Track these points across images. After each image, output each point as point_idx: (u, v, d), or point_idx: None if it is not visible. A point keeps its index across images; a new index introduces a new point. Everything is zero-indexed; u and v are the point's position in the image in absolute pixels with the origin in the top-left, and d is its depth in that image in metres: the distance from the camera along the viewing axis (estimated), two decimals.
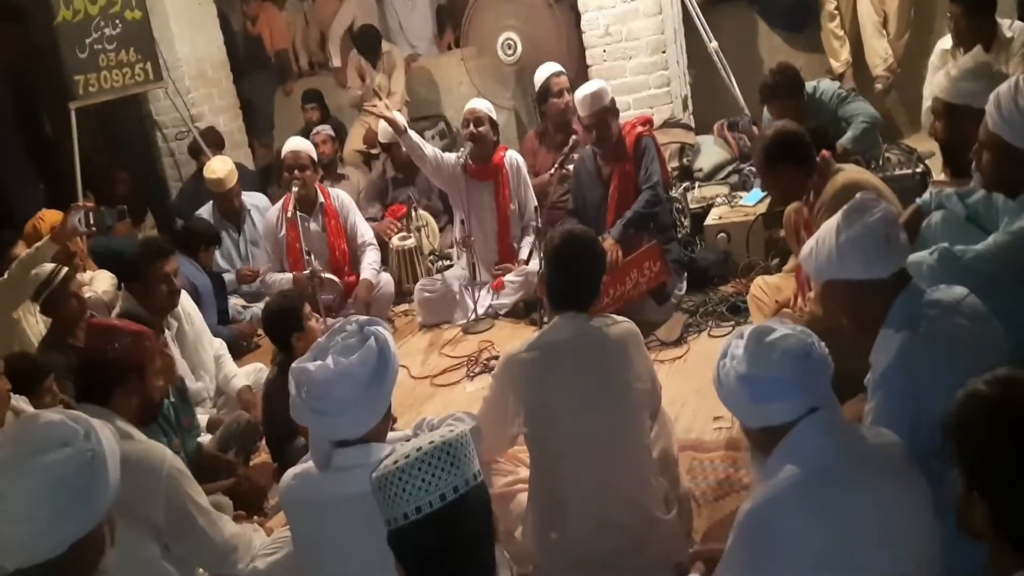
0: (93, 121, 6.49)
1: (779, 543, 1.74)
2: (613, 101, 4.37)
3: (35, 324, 3.92)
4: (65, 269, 3.80)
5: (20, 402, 2.88)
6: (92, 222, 3.91)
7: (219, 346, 4.12)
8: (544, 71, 5.10)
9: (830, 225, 2.13)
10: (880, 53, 5.62)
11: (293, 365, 2.02)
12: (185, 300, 3.97)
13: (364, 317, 2.08)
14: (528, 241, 4.82)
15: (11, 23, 6.32)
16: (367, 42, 6.77)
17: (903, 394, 1.98)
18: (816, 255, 2.14)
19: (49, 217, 4.62)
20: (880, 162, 4.30)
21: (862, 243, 2.05)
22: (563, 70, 5.08)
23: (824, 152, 3.27)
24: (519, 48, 5.90)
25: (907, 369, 2.00)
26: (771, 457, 1.80)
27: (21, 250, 3.97)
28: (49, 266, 3.79)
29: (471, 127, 4.70)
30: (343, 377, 1.92)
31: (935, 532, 1.78)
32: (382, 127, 5.39)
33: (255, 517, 3.14)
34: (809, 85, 4.49)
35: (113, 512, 1.67)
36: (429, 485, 1.46)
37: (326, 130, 6.17)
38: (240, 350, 4.69)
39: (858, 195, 2.20)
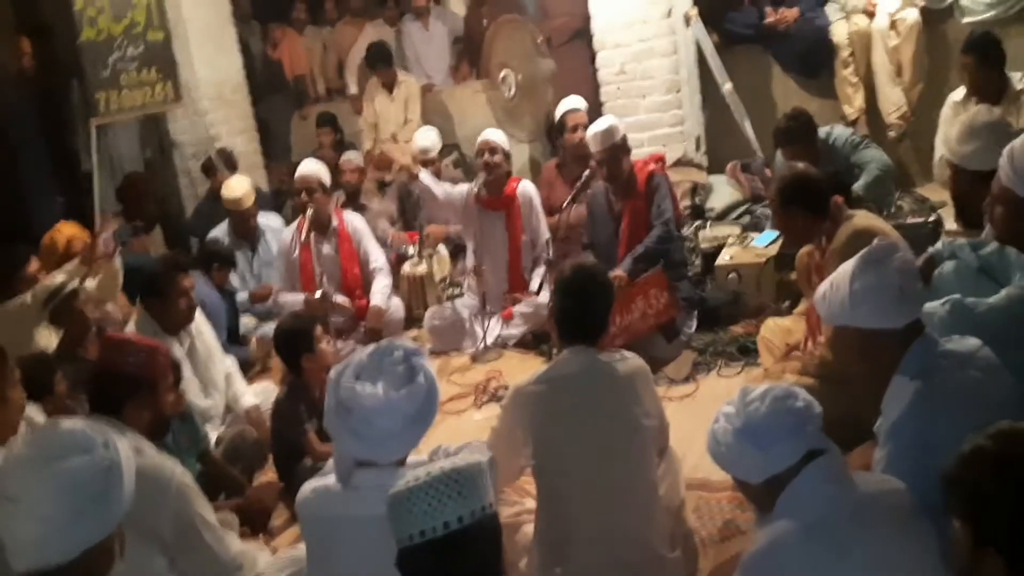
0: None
1: None
2: (624, 138, 4.43)
3: (48, 337, 3.94)
4: (76, 281, 3.83)
5: (33, 411, 2.89)
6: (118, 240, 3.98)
7: (230, 364, 4.15)
8: (562, 106, 5.17)
9: (845, 270, 2.13)
10: (894, 101, 5.67)
11: (336, 378, 2.02)
12: (198, 317, 4.00)
13: (409, 344, 2.09)
14: (539, 272, 4.85)
15: (35, 39, 6.40)
16: (378, 55, 6.83)
17: (914, 444, 1.98)
18: (829, 299, 2.15)
19: (66, 230, 4.66)
20: (892, 210, 4.33)
21: (876, 293, 2.06)
22: (579, 107, 5.14)
23: (837, 197, 3.30)
24: (514, 86, 5.99)
25: (919, 419, 2.00)
26: (775, 511, 1.82)
27: (34, 265, 4.00)
28: (60, 276, 3.82)
29: (485, 157, 4.75)
30: (390, 409, 1.95)
31: None
32: (414, 144, 5.49)
33: (260, 536, 3.14)
34: (823, 131, 4.54)
35: (123, 525, 1.69)
36: (435, 510, 1.49)
37: (357, 159, 6.23)
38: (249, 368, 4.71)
39: (875, 241, 2.20)
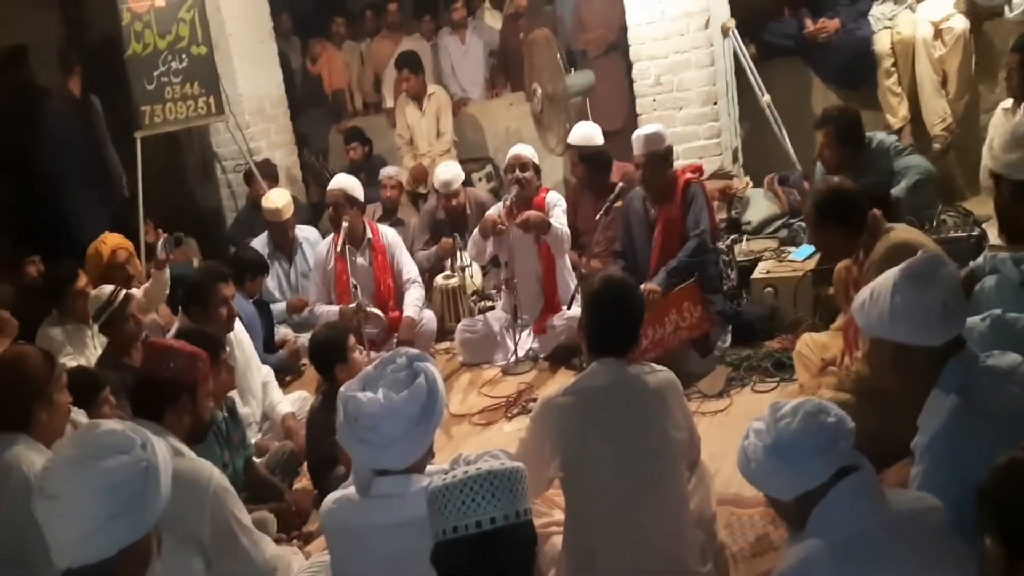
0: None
1: None
2: (669, 149, 4.42)
3: (91, 345, 4.05)
4: (125, 291, 3.93)
5: (79, 415, 2.97)
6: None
7: (266, 373, 4.23)
8: (570, 136, 5.23)
9: (887, 281, 2.07)
10: (939, 112, 5.58)
11: (342, 391, 2.08)
12: (236, 326, 4.07)
13: (413, 351, 2.13)
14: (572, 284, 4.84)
15: (81, 54, 6.58)
16: (405, 60, 6.87)
17: (951, 461, 1.94)
18: (868, 309, 2.10)
19: (111, 240, 4.79)
20: (935, 223, 4.26)
21: (918, 310, 2.01)
22: (575, 142, 5.21)
23: (875, 210, 3.26)
24: (540, 100, 6.02)
25: (957, 435, 1.97)
26: (807, 528, 1.80)
27: (83, 280, 4.12)
28: (109, 288, 3.93)
29: (516, 172, 4.77)
30: (392, 412, 1.98)
31: None
32: (437, 177, 5.51)
33: (295, 540, 3.18)
34: (874, 137, 4.49)
35: (161, 526, 1.73)
36: (468, 509, 1.51)
37: (398, 176, 6.29)
38: (285, 375, 4.77)
39: (921, 254, 2.16)
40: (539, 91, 6.02)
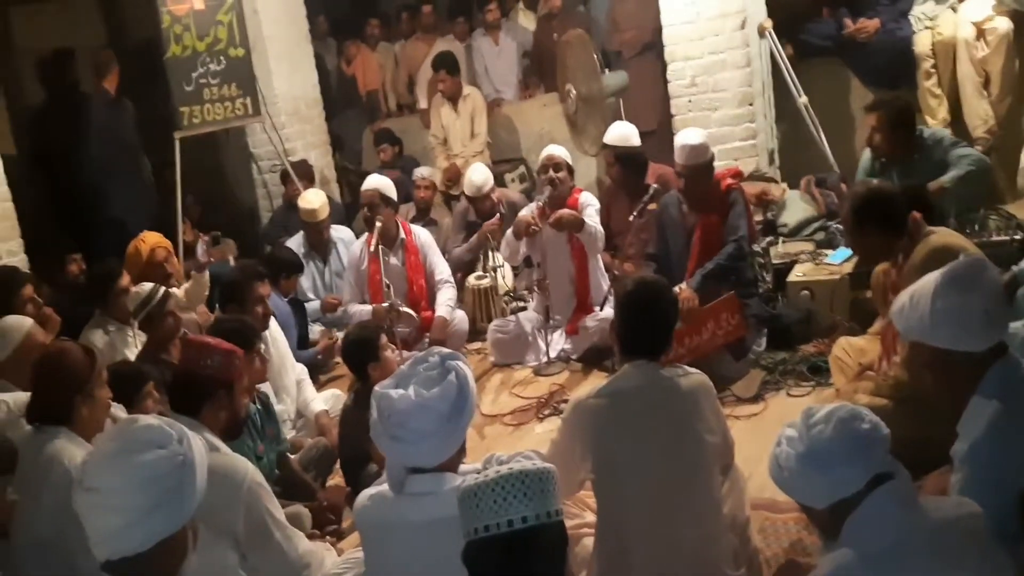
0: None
1: None
2: (712, 158, 4.36)
3: (133, 344, 4.11)
4: (164, 289, 4.00)
5: (118, 410, 3.02)
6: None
7: (300, 371, 4.26)
8: (607, 135, 5.18)
9: (928, 284, 2.04)
10: (980, 115, 5.49)
11: (376, 389, 2.10)
12: (272, 324, 4.12)
13: (446, 350, 2.15)
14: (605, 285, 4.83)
15: (121, 56, 6.69)
16: (442, 60, 6.90)
17: (992, 468, 1.92)
18: (908, 313, 2.06)
19: (150, 239, 4.86)
20: (976, 226, 4.19)
21: (959, 315, 1.97)
22: (610, 143, 5.13)
23: (915, 213, 3.21)
24: (574, 101, 5.99)
25: (998, 442, 1.94)
26: (840, 537, 1.76)
27: (125, 279, 4.20)
28: (149, 286, 3.99)
29: (550, 173, 4.77)
30: (423, 409, 1.99)
31: None
32: (468, 181, 5.52)
33: (328, 537, 3.21)
34: (924, 130, 4.44)
35: (197, 519, 1.76)
36: (500, 507, 1.51)
37: (432, 176, 6.32)
38: (318, 373, 4.81)
39: (962, 258, 2.12)
40: (573, 92, 6.01)
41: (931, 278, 2.05)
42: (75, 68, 6.49)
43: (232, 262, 5.61)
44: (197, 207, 6.60)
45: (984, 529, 1.77)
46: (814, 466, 1.76)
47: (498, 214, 5.37)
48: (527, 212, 4.78)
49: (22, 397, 3.14)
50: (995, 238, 4.08)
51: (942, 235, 3.14)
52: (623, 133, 5.12)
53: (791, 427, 1.85)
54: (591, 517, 2.64)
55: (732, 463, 2.67)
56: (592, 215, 4.71)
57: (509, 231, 4.80)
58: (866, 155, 4.53)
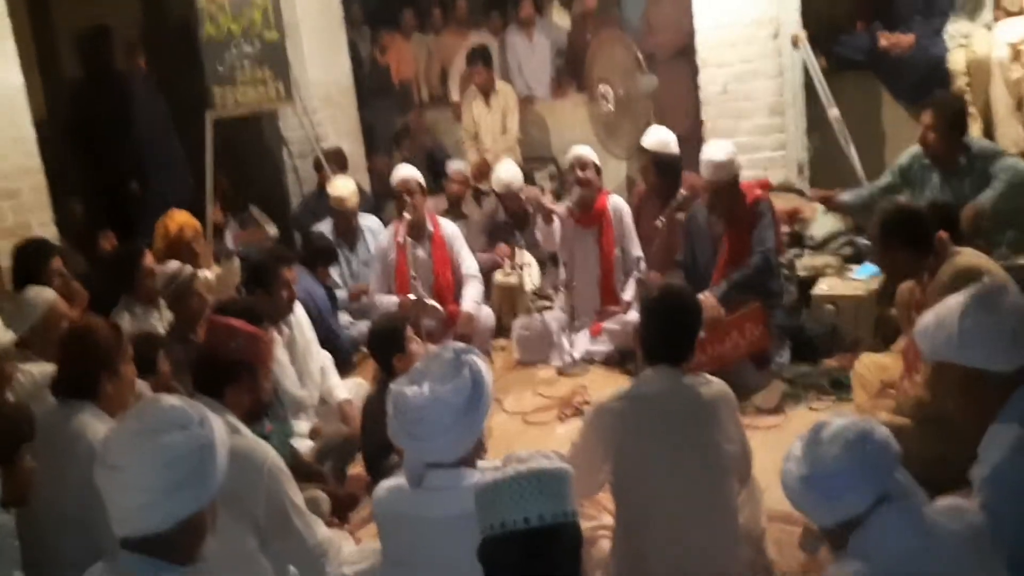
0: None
1: None
2: (738, 173, 4.34)
3: (159, 328, 4.16)
4: (191, 268, 4.04)
5: (144, 387, 3.06)
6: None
7: (325, 358, 4.28)
8: (646, 139, 5.13)
9: (954, 305, 2.05)
10: (1012, 136, 5.43)
11: (392, 387, 2.12)
12: (298, 310, 4.15)
13: (461, 345, 2.17)
14: (631, 288, 4.83)
15: (156, 35, 6.76)
16: (478, 54, 6.91)
17: (1013, 494, 1.92)
18: (933, 334, 2.07)
19: (178, 217, 4.90)
20: (1004, 248, 4.16)
21: (989, 333, 1.99)
22: (648, 147, 5.06)
23: (942, 232, 3.20)
24: (612, 102, 5.97)
25: (1020, 468, 1.94)
26: (848, 550, 1.77)
27: (149, 258, 4.23)
28: (175, 264, 4.04)
29: (578, 173, 4.77)
30: (438, 404, 2.01)
31: None
32: (496, 177, 5.53)
33: (346, 525, 3.24)
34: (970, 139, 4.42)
35: (217, 501, 1.78)
36: (517, 504, 1.52)
37: (465, 171, 6.36)
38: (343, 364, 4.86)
39: (986, 279, 2.14)
40: (611, 92, 5.96)
41: (956, 299, 2.06)
42: (111, 46, 6.55)
43: (272, 232, 5.63)
44: (226, 182, 6.63)
45: (985, 537, 1.78)
46: (818, 490, 1.76)
47: (513, 239, 5.35)
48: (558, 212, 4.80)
49: (47, 369, 3.19)
50: (1022, 261, 4.05)
51: (967, 256, 3.14)
52: (663, 139, 5.03)
53: (799, 443, 1.83)
54: (608, 519, 2.66)
55: (750, 474, 2.69)
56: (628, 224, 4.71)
57: (540, 219, 4.79)
58: (906, 154, 4.49)
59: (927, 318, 2.12)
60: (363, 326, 4.90)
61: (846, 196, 4.65)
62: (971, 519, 1.81)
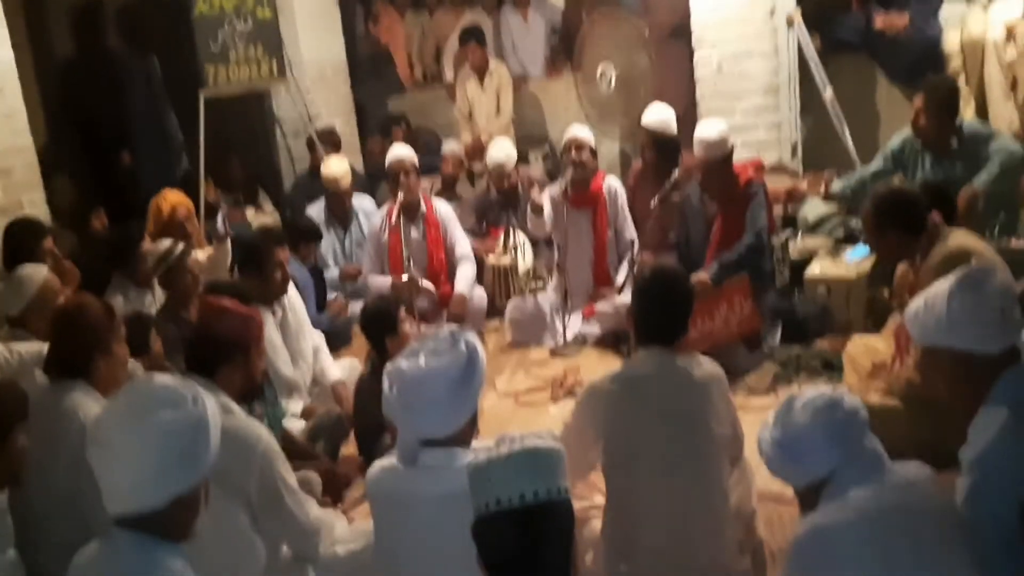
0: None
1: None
2: (731, 151, 4.35)
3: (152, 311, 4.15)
4: (183, 246, 4.03)
5: (136, 367, 3.06)
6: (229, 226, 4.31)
7: (318, 338, 4.28)
8: (644, 118, 5.07)
9: (942, 288, 2.08)
10: (1005, 117, 5.43)
11: (388, 365, 2.12)
12: (291, 290, 4.14)
13: (456, 326, 2.18)
14: (624, 270, 4.84)
15: (152, 11, 6.68)
16: (471, 32, 6.88)
17: (1001, 475, 1.94)
18: (923, 318, 2.10)
19: (171, 197, 4.89)
20: (995, 231, 4.18)
21: (976, 313, 2.01)
22: (651, 125, 5.01)
23: (934, 214, 3.21)
24: (613, 81, 5.93)
25: (1008, 450, 1.96)
26: (818, 506, 1.88)
27: (148, 244, 4.22)
28: (168, 242, 4.03)
29: (573, 154, 4.76)
30: (433, 376, 2.02)
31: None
32: (489, 156, 5.52)
33: (338, 505, 3.26)
34: (963, 121, 4.42)
35: (210, 480, 1.79)
36: (512, 481, 1.53)
37: (460, 152, 6.33)
38: (336, 344, 4.86)
39: (974, 262, 2.16)
40: (611, 72, 5.91)
41: (944, 282, 2.09)
42: (103, 23, 6.48)
43: (270, 210, 5.59)
44: (237, 164, 6.60)
45: (936, 481, 1.91)
46: (787, 452, 1.89)
47: (507, 219, 5.32)
48: (550, 193, 4.79)
49: (35, 348, 3.19)
50: (1015, 244, 4.06)
51: (960, 238, 3.15)
52: (664, 118, 4.96)
53: (775, 410, 1.96)
54: (599, 499, 2.68)
55: (741, 454, 2.70)
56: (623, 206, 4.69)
57: (529, 209, 4.80)
58: (897, 138, 4.50)
59: (916, 302, 2.14)
60: (356, 306, 4.90)
61: (837, 184, 4.65)
62: (927, 472, 1.92)
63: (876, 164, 4.58)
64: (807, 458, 1.86)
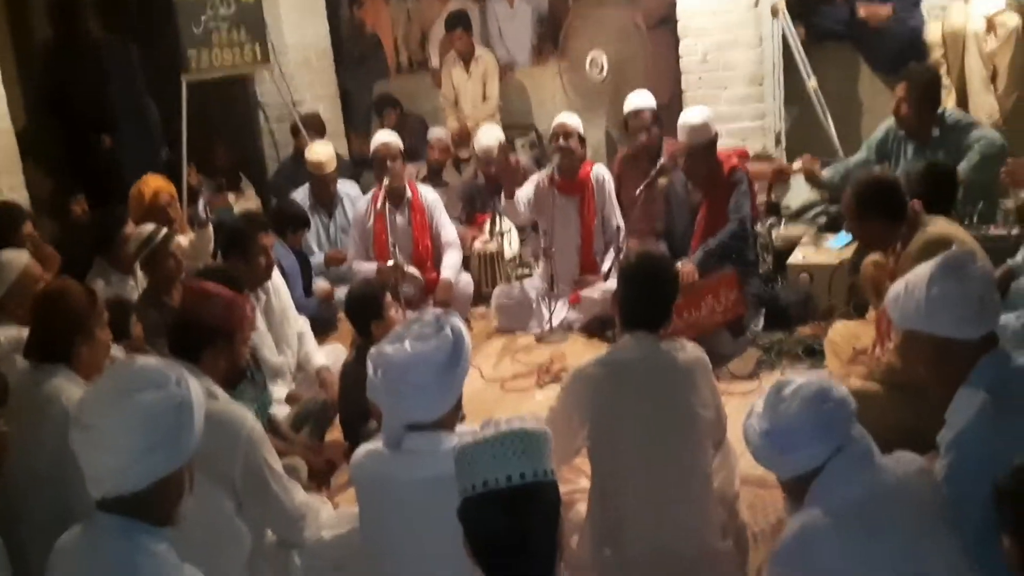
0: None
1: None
2: (715, 137, 4.37)
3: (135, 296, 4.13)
4: (166, 230, 4.01)
5: (118, 352, 3.05)
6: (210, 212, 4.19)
7: (302, 324, 4.26)
8: (628, 103, 5.07)
9: (922, 273, 2.09)
10: (986, 108, 5.49)
11: (371, 350, 2.12)
12: (275, 275, 4.12)
13: (440, 311, 2.19)
14: (610, 257, 4.85)
15: None
16: (457, 18, 6.84)
17: (977, 457, 1.96)
18: (903, 302, 2.12)
19: (152, 182, 4.85)
20: (974, 219, 4.22)
21: (955, 300, 2.03)
22: (644, 106, 5.00)
23: (915, 202, 3.24)
24: (605, 68, 5.92)
25: (985, 433, 1.99)
26: (806, 499, 1.86)
27: (129, 227, 4.19)
28: (150, 226, 4.00)
29: (560, 140, 4.76)
30: (419, 361, 2.02)
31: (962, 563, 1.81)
32: (477, 142, 5.50)
33: (323, 490, 3.26)
34: (946, 110, 4.45)
35: (195, 465, 1.79)
36: (499, 463, 1.52)
37: (446, 137, 6.32)
38: (321, 330, 4.85)
39: (955, 248, 2.18)
40: (604, 58, 5.88)
41: (925, 268, 2.10)
42: (84, 7, 6.40)
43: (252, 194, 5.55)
44: (222, 151, 6.54)
45: (931, 475, 1.90)
46: (778, 444, 1.84)
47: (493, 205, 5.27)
48: (536, 179, 4.78)
49: (13, 333, 3.18)
50: (993, 232, 4.10)
51: (939, 225, 3.18)
52: (646, 100, 4.99)
53: (761, 400, 1.91)
54: (584, 483, 2.69)
55: (725, 438, 2.73)
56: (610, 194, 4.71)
57: (518, 192, 4.79)
58: (881, 128, 4.54)
59: (897, 286, 2.16)
60: (341, 292, 4.88)
61: (825, 173, 4.68)
62: (919, 463, 1.90)
63: (861, 154, 4.62)
64: (797, 448, 1.83)
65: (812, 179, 4.80)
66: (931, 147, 4.28)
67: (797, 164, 4.85)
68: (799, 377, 1.89)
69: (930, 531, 1.81)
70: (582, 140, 4.85)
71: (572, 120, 4.85)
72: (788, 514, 1.99)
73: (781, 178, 5.06)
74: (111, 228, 4.16)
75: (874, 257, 3.41)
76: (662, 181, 4.64)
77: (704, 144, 4.30)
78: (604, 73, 5.89)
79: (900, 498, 1.81)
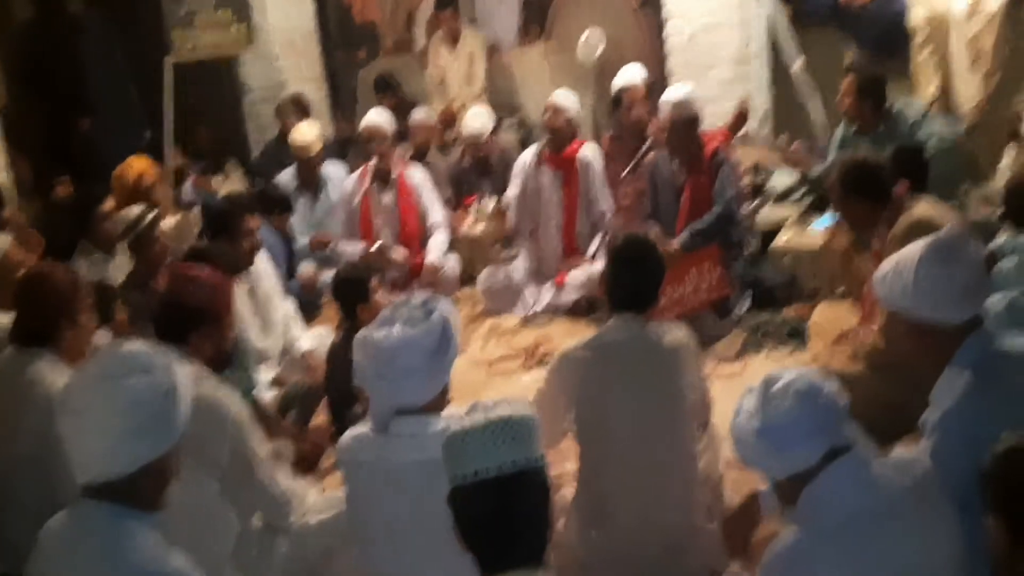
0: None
1: None
2: (697, 114, 4.37)
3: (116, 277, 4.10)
4: (153, 213, 3.98)
5: (103, 338, 3.03)
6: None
7: (288, 307, 4.25)
8: (618, 79, 5.05)
9: (911, 254, 2.07)
10: (969, 90, 5.50)
11: (359, 335, 2.11)
12: (260, 259, 4.10)
13: (427, 294, 2.18)
14: (597, 239, 4.84)
15: None
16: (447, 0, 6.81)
17: (962, 438, 1.96)
18: (891, 281, 2.10)
19: (137, 164, 4.81)
20: (959, 202, 4.24)
21: (942, 284, 2.02)
22: (636, 82, 5.00)
23: (900, 184, 3.26)
24: (600, 45, 5.88)
25: (969, 413, 2.00)
26: (797, 508, 1.79)
27: (109, 203, 4.16)
28: (138, 209, 3.97)
29: (548, 116, 4.75)
30: (408, 345, 2.02)
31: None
32: (466, 125, 5.47)
33: (310, 475, 3.26)
34: (896, 104, 4.46)
35: (182, 449, 1.78)
36: (489, 452, 1.51)
37: (431, 120, 6.29)
38: (305, 313, 4.84)
39: (948, 228, 2.17)
40: (595, 35, 5.83)
41: (915, 248, 2.08)
42: None
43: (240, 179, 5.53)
44: (205, 134, 6.48)
45: (933, 488, 1.81)
46: (770, 442, 1.75)
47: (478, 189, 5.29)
48: (527, 155, 4.75)
49: None
50: (974, 216, 4.12)
51: (923, 207, 3.19)
52: (635, 75, 4.99)
53: (750, 397, 1.82)
54: (571, 466, 2.71)
55: (709, 420, 2.75)
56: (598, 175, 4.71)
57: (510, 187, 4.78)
58: (840, 126, 4.56)
59: (887, 265, 2.14)
60: (327, 275, 4.86)
61: (816, 171, 4.71)
62: (919, 471, 1.83)
63: (832, 155, 4.64)
64: (791, 448, 1.74)
65: (805, 178, 4.83)
66: (878, 141, 4.29)
67: (795, 145, 4.87)
68: (787, 372, 1.81)
69: (933, 545, 1.75)
70: (571, 121, 4.80)
71: (564, 99, 4.82)
72: (782, 516, 1.93)
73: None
74: (89, 204, 4.12)
75: (842, 244, 3.42)
76: (650, 156, 4.63)
77: (686, 119, 4.30)
78: (600, 51, 5.84)
79: (899, 512, 1.74)
